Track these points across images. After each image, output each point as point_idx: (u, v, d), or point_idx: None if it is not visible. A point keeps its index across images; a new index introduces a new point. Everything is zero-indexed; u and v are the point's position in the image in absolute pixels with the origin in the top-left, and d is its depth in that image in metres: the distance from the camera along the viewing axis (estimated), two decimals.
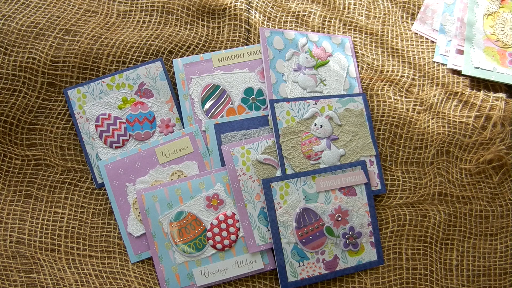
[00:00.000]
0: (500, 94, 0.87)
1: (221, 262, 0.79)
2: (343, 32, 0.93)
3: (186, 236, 0.79)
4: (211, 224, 0.80)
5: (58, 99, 0.84)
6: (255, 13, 0.91)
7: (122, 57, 0.85)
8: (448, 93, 0.88)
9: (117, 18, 0.90)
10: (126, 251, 0.81)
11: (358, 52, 0.92)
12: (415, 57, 0.92)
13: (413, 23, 0.95)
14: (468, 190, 0.85)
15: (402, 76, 0.90)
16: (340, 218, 0.80)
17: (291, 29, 0.92)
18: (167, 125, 0.85)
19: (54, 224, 0.80)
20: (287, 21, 0.92)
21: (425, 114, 0.88)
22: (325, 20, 0.94)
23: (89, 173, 0.84)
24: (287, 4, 0.94)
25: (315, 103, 0.85)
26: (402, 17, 0.96)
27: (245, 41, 0.90)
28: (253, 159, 0.81)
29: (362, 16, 0.95)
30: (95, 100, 0.84)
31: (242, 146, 0.82)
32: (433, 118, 0.87)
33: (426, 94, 0.89)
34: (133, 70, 0.85)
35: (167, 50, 0.87)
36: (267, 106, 0.85)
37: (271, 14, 0.92)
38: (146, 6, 0.91)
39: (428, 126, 0.87)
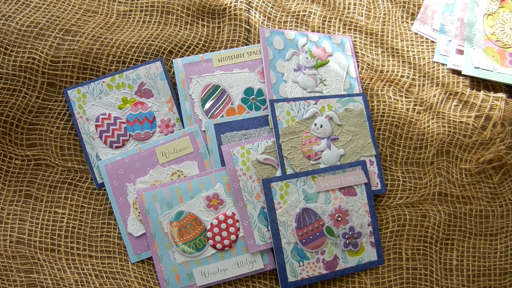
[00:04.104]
0: (500, 94, 0.87)
1: (221, 262, 0.79)
2: (343, 32, 0.93)
3: (186, 236, 0.79)
4: (211, 224, 0.80)
5: (58, 99, 0.84)
6: (255, 13, 0.91)
7: (122, 57, 0.85)
8: (448, 93, 0.88)
9: (117, 18, 0.90)
10: (126, 251, 0.81)
11: (358, 52, 0.92)
12: (415, 57, 0.92)
13: (413, 23, 0.95)
14: (468, 190, 0.85)
15: (402, 76, 0.90)
16: (340, 218, 0.80)
17: (291, 29, 0.92)
18: (167, 125, 0.85)
19: (54, 224, 0.80)
20: (287, 21, 0.92)
21: (425, 114, 0.88)
22: (325, 20, 0.94)
23: (89, 173, 0.84)
24: (287, 4, 0.94)
25: (315, 103, 0.85)
26: (402, 17, 0.96)
27: (245, 41, 0.90)
28: (253, 159, 0.81)
29: (362, 16, 0.95)
30: (95, 100, 0.84)
31: (242, 146, 0.82)
32: (433, 118, 0.87)
33: (426, 94, 0.89)
34: (133, 70, 0.85)
35: (167, 50, 0.87)
36: (267, 106, 0.85)
37: (271, 14, 0.92)
38: (146, 6, 0.91)
39: (428, 126, 0.87)
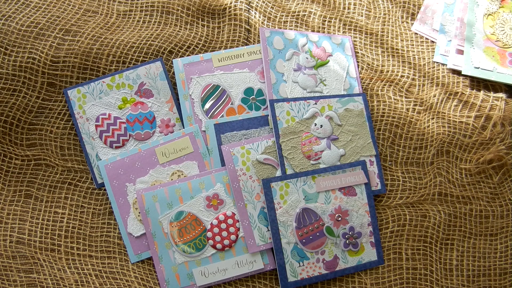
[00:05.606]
0: (500, 94, 0.87)
1: (221, 262, 0.79)
2: (343, 32, 0.93)
3: (186, 236, 0.79)
4: (211, 224, 0.80)
5: (58, 99, 0.84)
6: (255, 13, 0.91)
7: (122, 57, 0.85)
8: (448, 93, 0.88)
9: (117, 18, 0.90)
10: (126, 251, 0.81)
11: (358, 52, 0.92)
12: (415, 57, 0.92)
13: (413, 23, 0.95)
14: (468, 190, 0.85)
15: (402, 76, 0.90)
16: (340, 218, 0.80)
17: (291, 29, 0.92)
18: (167, 125, 0.85)
19: (54, 224, 0.80)
20: (287, 21, 0.92)
21: (425, 114, 0.88)
22: (325, 20, 0.94)
23: (89, 173, 0.84)
24: (287, 4, 0.94)
25: (315, 103, 0.85)
26: (402, 17, 0.96)
27: (245, 41, 0.90)
28: (253, 159, 0.81)
29: (362, 16, 0.95)
30: (95, 100, 0.84)
31: (242, 146, 0.82)
32: (433, 118, 0.87)
33: (426, 94, 0.89)
34: (133, 70, 0.85)
35: (167, 50, 0.87)
36: (267, 106, 0.85)
37: (271, 14, 0.92)
38: (146, 6, 0.91)
39: (428, 126, 0.87)
